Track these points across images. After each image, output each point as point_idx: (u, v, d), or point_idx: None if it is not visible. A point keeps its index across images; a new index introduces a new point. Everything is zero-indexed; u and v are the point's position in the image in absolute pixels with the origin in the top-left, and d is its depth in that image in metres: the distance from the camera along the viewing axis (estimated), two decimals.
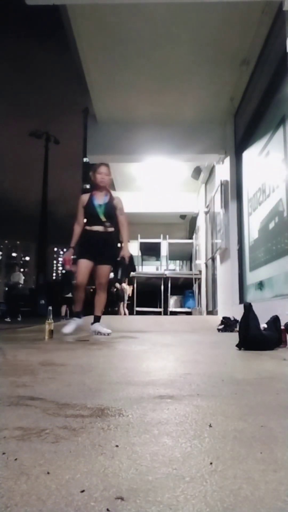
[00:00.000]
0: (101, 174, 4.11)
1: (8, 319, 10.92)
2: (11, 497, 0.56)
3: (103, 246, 3.99)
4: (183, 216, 12.42)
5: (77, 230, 4.07)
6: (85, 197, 4.14)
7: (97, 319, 4.04)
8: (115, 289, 13.94)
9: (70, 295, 11.72)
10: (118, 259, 4.04)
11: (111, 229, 4.05)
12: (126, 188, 11.08)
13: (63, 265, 3.93)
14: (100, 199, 4.08)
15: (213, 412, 1.01)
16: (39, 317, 13.90)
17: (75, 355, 2.38)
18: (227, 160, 7.08)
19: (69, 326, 3.89)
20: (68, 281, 11.99)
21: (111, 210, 4.07)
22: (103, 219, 4.01)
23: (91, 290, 12.39)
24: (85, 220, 4.09)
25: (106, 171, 4.15)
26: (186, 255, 13.24)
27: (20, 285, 11.89)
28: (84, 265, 3.95)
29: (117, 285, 13.97)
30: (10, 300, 11.97)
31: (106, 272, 4.04)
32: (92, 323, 4.03)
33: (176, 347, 2.94)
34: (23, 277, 11.83)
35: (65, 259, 4.21)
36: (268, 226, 5.06)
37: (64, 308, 11.57)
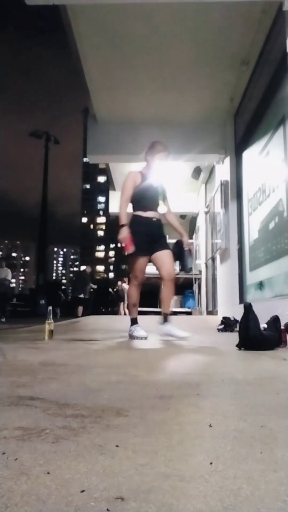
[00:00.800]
0: (163, 160, 3.60)
1: (3, 320, 10.62)
2: (11, 497, 0.56)
3: (159, 236, 3.56)
4: (183, 216, 12.40)
5: (126, 208, 3.50)
6: (136, 175, 3.57)
7: (167, 318, 3.47)
8: (114, 289, 13.94)
9: (82, 295, 11.56)
10: (185, 248, 3.60)
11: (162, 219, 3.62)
12: None
13: (122, 249, 3.33)
14: (155, 181, 3.60)
15: (213, 412, 1.01)
16: (39, 317, 13.90)
17: (75, 355, 2.38)
18: (227, 160, 7.08)
19: (141, 331, 3.49)
20: (83, 281, 11.84)
21: (165, 196, 3.62)
22: (160, 204, 3.54)
23: (91, 290, 12.36)
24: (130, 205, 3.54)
25: (167, 159, 3.64)
26: None
27: (8, 282, 11.38)
28: (145, 262, 3.49)
29: (118, 284, 13.98)
30: None
31: (171, 257, 3.52)
32: (162, 323, 3.48)
33: (176, 347, 2.94)
34: (10, 273, 11.39)
35: (127, 240, 3.38)
36: (268, 226, 5.06)
37: (80, 309, 11.35)
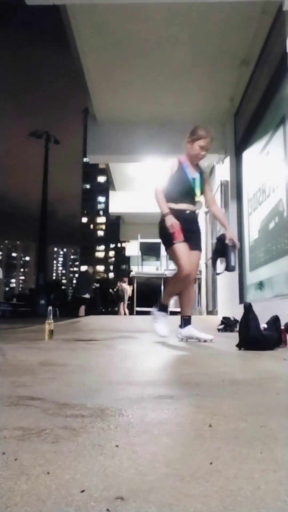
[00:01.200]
0: (204, 148, 3.20)
1: None
2: (11, 497, 0.56)
3: (194, 231, 3.30)
4: None
5: (163, 197, 3.18)
6: (174, 163, 3.26)
7: (188, 321, 3.25)
8: (114, 289, 13.94)
9: (87, 295, 11.49)
10: (228, 243, 3.19)
11: (198, 211, 3.38)
12: (126, 188, 11.09)
13: (172, 238, 3.01)
14: (193, 172, 3.29)
15: (213, 412, 1.01)
16: (39, 317, 13.89)
17: (75, 355, 2.38)
18: (227, 160, 7.09)
19: (164, 326, 3.26)
20: (87, 281, 11.78)
21: (203, 188, 3.32)
22: (196, 197, 3.27)
23: (94, 287, 12.34)
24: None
25: (209, 147, 3.25)
26: None
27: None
28: (187, 249, 3.14)
29: (118, 284, 13.97)
30: None
31: (198, 259, 3.31)
32: (183, 326, 3.25)
33: (176, 347, 2.94)
34: (1, 272, 11.33)
35: (176, 227, 3.01)
36: (268, 226, 5.06)
37: (82, 309, 11.30)
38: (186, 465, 0.67)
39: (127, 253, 18.32)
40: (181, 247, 3.11)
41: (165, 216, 3.11)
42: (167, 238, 3.14)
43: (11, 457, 0.70)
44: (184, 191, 3.22)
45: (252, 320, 2.52)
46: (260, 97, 5.50)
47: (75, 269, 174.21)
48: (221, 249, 3.23)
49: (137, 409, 1.04)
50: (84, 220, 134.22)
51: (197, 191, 3.25)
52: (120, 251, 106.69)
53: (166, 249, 3.28)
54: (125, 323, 6.37)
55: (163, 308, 3.35)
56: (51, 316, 3.31)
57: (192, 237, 3.23)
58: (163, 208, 3.15)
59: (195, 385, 1.38)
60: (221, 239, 3.28)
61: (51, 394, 1.21)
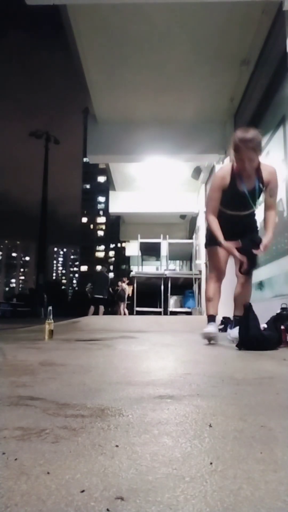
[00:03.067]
0: (243, 143, 2.81)
1: None
2: (11, 497, 0.56)
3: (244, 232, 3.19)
4: (183, 216, 12.42)
5: (216, 224, 3.12)
6: (224, 177, 3.04)
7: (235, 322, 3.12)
8: (115, 289, 13.94)
9: (101, 296, 11.43)
10: (255, 250, 3.01)
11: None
12: (126, 188, 11.09)
13: (213, 240, 3.04)
14: (246, 183, 3.12)
15: (213, 412, 1.01)
16: (39, 317, 13.89)
17: (75, 355, 2.38)
18: (227, 160, 7.09)
19: (210, 326, 3.10)
20: (103, 281, 11.72)
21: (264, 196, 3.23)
22: (255, 206, 3.21)
23: (109, 288, 12.28)
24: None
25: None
26: (186, 255, 13.25)
27: None
28: (220, 253, 3.13)
29: (118, 284, 13.97)
30: None
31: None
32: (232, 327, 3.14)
33: (176, 347, 2.94)
34: None
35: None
36: None
37: (92, 309, 11.21)
38: (186, 465, 0.67)
39: (127, 253, 18.33)
40: (214, 251, 3.15)
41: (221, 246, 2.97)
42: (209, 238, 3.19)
43: (11, 457, 0.71)
44: (238, 204, 3.11)
45: (252, 320, 2.52)
46: (260, 97, 5.50)
47: (75, 269, 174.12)
48: (248, 248, 3.00)
49: (137, 409, 1.04)
50: (84, 220, 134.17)
51: (254, 201, 3.09)
52: (120, 251, 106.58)
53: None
54: (125, 323, 6.38)
55: (210, 319, 3.21)
56: (51, 316, 3.31)
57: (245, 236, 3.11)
58: (219, 236, 3.00)
59: (195, 385, 1.39)
60: (255, 242, 3.08)
61: (51, 394, 1.22)
